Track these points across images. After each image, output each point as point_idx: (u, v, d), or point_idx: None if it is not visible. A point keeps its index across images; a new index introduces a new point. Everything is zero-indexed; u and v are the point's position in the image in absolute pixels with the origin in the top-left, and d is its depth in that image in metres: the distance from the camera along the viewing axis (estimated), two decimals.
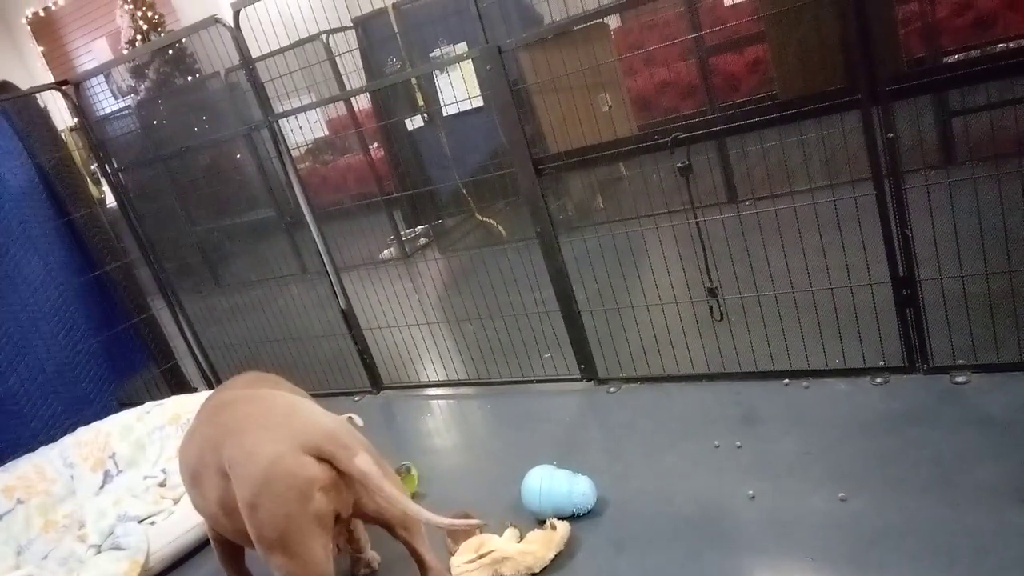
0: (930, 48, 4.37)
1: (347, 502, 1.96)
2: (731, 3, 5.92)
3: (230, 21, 3.31)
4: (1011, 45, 2.28)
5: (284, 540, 1.83)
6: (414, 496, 2.79)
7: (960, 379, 2.38)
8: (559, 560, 2.19)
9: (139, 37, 8.87)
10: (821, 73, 2.49)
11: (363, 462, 1.88)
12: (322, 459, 1.88)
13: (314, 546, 1.86)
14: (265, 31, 4.06)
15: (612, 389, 3.12)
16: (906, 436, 2.24)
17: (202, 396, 3.49)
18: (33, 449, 3.16)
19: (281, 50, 4.86)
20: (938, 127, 4.02)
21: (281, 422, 1.93)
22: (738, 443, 2.47)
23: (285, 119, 3.44)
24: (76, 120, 3.99)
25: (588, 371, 3.20)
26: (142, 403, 3.53)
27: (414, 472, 2.84)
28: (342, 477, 1.92)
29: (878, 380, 2.53)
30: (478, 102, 4.93)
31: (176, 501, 3.03)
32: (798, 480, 2.21)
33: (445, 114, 5.28)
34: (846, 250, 2.50)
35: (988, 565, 1.72)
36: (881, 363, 2.56)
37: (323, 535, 1.88)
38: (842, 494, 2.08)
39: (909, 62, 3.47)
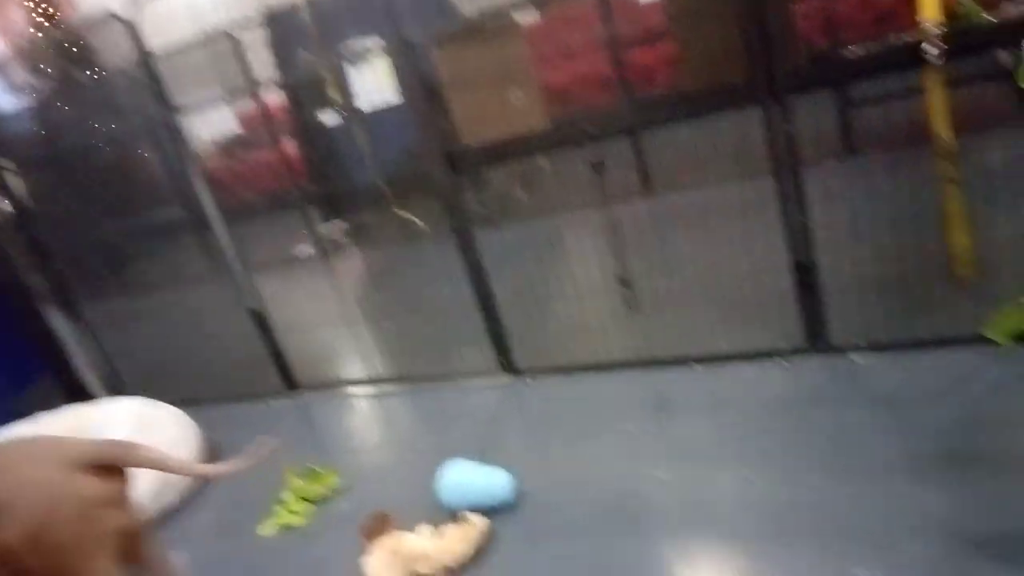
0: (831, 42, 4.54)
1: (133, 518, 1.89)
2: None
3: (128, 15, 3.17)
4: (907, 39, 2.39)
5: (71, 567, 1.72)
6: (325, 498, 2.73)
7: (857, 359, 2.48)
8: (476, 554, 2.17)
9: (35, 32, 8.41)
10: (724, 68, 2.55)
11: (146, 449, 1.84)
12: (104, 470, 1.78)
13: (100, 569, 1.76)
14: (170, 25, 3.90)
15: (530, 381, 3.13)
16: (807, 416, 2.32)
17: (104, 405, 3.33)
18: None
19: (186, 45, 4.68)
20: (839, 119, 4.19)
21: (46, 450, 1.79)
22: (651, 429, 2.51)
23: (192, 115, 3.32)
24: None
25: (507, 364, 3.20)
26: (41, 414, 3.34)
27: (320, 470, 2.79)
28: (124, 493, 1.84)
29: (781, 363, 2.61)
30: (394, 97, 4.86)
31: None
32: (707, 462, 2.26)
33: (364, 110, 5.19)
34: (751, 238, 2.57)
35: (881, 535, 1.80)
36: (784, 346, 2.65)
37: (109, 557, 1.79)
38: (748, 474, 2.14)
39: (810, 56, 3.60)
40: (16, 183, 3.80)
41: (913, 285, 2.46)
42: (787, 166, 2.40)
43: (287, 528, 2.63)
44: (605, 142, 2.67)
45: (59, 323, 4.01)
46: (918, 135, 2.65)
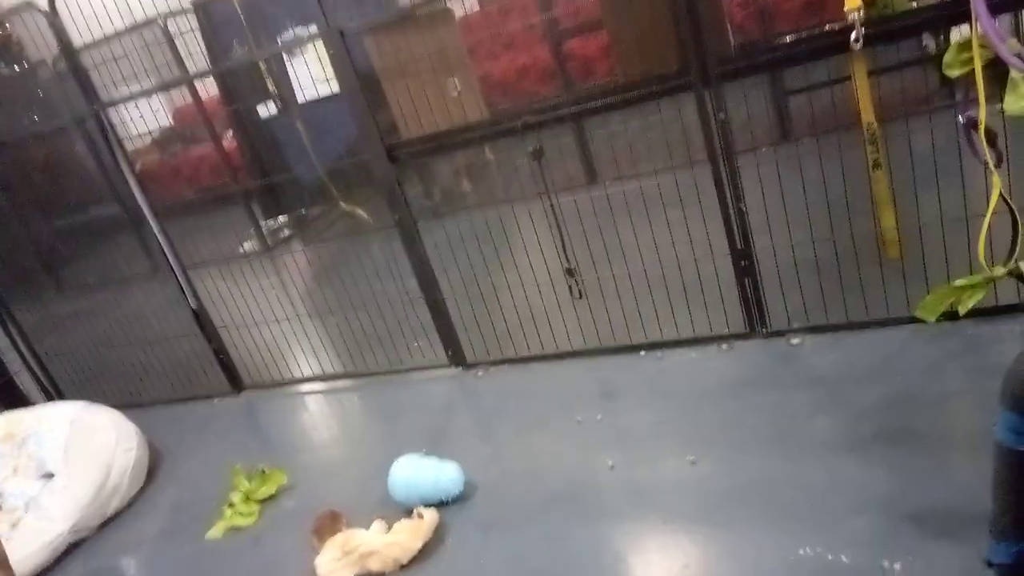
0: (763, 30, 4.64)
1: None
2: None
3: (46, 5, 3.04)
4: (836, 27, 2.46)
5: None
6: (274, 498, 2.70)
7: (795, 341, 2.56)
8: (427, 549, 2.18)
9: None
10: (657, 57, 2.58)
11: None
12: None
13: None
14: (97, 15, 3.75)
15: (480, 373, 3.14)
16: (748, 399, 2.38)
17: (40, 410, 3.21)
18: None
19: (113, 35, 4.52)
20: (773, 106, 4.28)
21: None
22: (599, 416, 2.54)
23: (121, 108, 3.21)
24: None
25: (456, 357, 3.20)
26: None
27: (268, 471, 2.76)
28: None
29: (723, 347, 2.68)
30: (335, 88, 4.78)
31: (13, 525, 2.78)
32: (652, 448, 2.31)
33: (301, 100, 5.09)
34: (690, 226, 2.62)
35: (823, 514, 1.86)
36: (726, 330, 2.71)
37: None
38: (692, 458, 2.18)
39: (744, 44, 3.67)
40: None
41: (847, 267, 2.54)
42: (722, 153, 2.45)
43: (236, 530, 2.60)
44: (546, 132, 2.68)
45: None
46: (848, 121, 2.73)
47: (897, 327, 2.45)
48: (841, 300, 2.52)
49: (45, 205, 5.56)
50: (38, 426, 3.01)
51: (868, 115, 2.52)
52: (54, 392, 3.93)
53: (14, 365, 3.88)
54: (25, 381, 3.93)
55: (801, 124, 4.14)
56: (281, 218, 6.07)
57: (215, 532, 2.60)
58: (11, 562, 2.54)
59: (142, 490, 3.04)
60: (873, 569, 1.66)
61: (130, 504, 2.97)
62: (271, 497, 2.70)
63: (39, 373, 3.91)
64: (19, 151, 4.51)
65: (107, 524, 2.88)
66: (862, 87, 2.48)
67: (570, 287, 2.86)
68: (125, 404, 3.39)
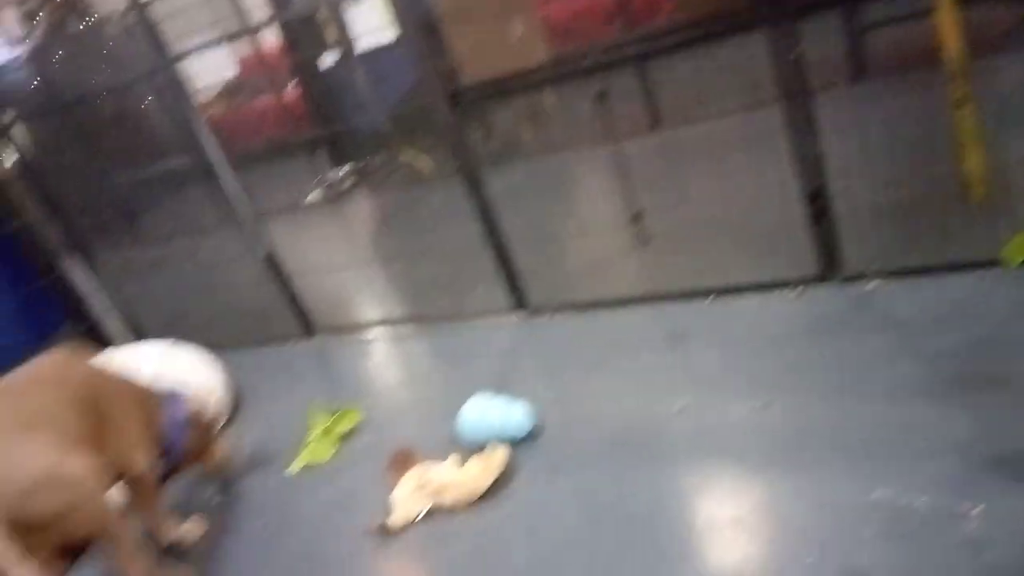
0: None
1: None
2: None
3: None
4: None
5: None
6: (349, 436, 2.80)
7: (871, 286, 2.50)
8: (498, 485, 2.24)
9: None
10: None
11: None
12: None
13: None
14: None
15: (544, 318, 3.16)
16: (821, 344, 2.35)
17: (128, 349, 3.37)
18: None
19: None
20: (849, 42, 4.09)
21: None
22: (666, 361, 2.55)
23: (190, 61, 3.27)
24: None
25: (520, 302, 3.23)
26: None
27: (343, 410, 2.86)
28: None
29: (794, 293, 2.63)
30: (393, 35, 4.77)
31: None
32: (722, 392, 2.31)
33: (360, 49, 5.10)
34: (762, 168, 2.56)
35: (898, 457, 1.84)
36: (798, 275, 2.66)
37: None
38: (762, 402, 2.18)
39: None
40: (21, 135, 3.78)
41: (927, 210, 2.46)
42: (796, 93, 2.37)
43: (314, 465, 2.71)
44: (610, 75, 2.64)
45: (76, 274, 4.04)
46: (930, 57, 2.60)
47: (979, 271, 2.36)
48: (921, 244, 2.44)
49: (119, 157, 5.75)
50: (128, 364, 3.17)
51: (954, 48, 2.40)
52: (138, 335, 4.12)
53: (100, 309, 4.07)
54: (111, 325, 4.13)
55: (880, 61, 3.96)
56: (344, 168, 6.14)
57: (295, 467, 2.73)
58: None
59: (224, 428, 3.18)
60: (950, 513, 1.64)
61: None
62: (346, 435, 2.81)
63: (124, 317, 4.10)
64: (93, 105, 4.65)
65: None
66: (948, 18, 2.35)
67: (635, 233, 2.84)
68: (204, 347, 3.54)
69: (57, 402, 2.16)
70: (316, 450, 2.75)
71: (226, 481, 2.76)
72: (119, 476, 2.34)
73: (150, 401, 2.52)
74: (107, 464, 2.21)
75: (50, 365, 2.31)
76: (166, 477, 2.67)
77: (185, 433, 2.57)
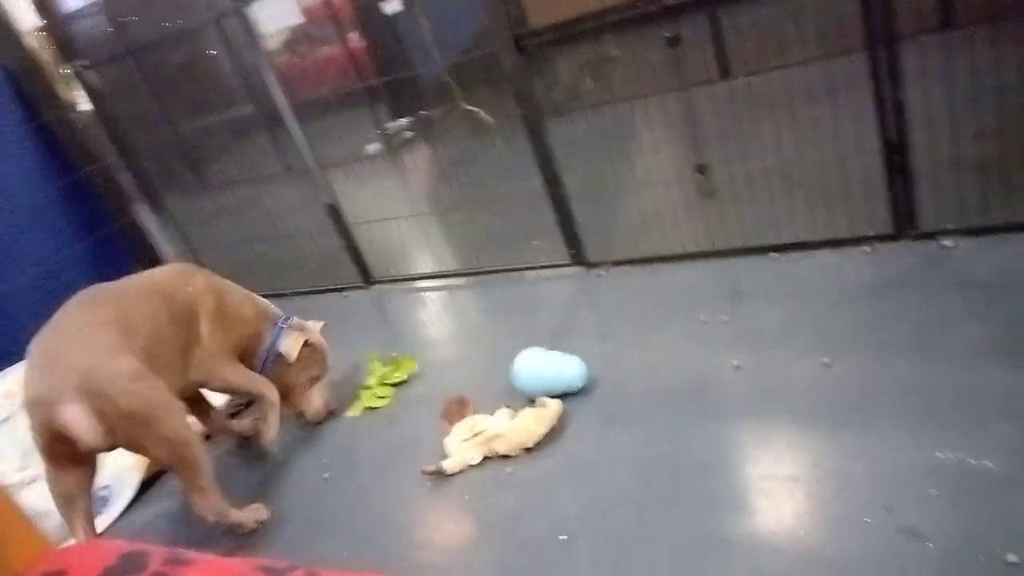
0: None
1: None
2: None
3: None
4: None
5: None
6: (405, 384, 2.85)
7: (947, 243, 2.38)
8: (551, 435, 2.25)
9: None
10: None
11: None
12: None
13: None
14: None
15: (602, 273, 3.12)
16: (892, 302, 2.26)
17: None
18: None
19: None
20: None
21: None
22: (725, 318, 2.49)
23: (254, 7, 3.28)
24: (41, 19, 3.81)
25: (578, 256, 3.20)
26: None
27: (400, 359, 2.91)
28: None
29: (866, 249, 2.53)
30: None
31: None
32: (783, 349, 2.25)
33: None
34: (838, 119, 2.44)
35: (968, 419, 1.77)
36: (869, 232, 2.55)
37: None
38: (826, 360, 2.11)
39: None
40: (93, 81, 3.88)
41: (1013, 166, 2.31)
42: (882, 39, 2.24)
43: (372, 410, 2.77)
44: (681, 18, 2.54)
45: (146, 219, 4.18)
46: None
47: None
48: (1004, 201, 2.31)
49: (188, 105, 5.86)
50: None
51: None
52: None
53: (168, 255, 4.20)
54: None
55: (970, 8, 3.71)
56: (404, 120, 6.14)
57: (354, 411, 2.79)
58: None
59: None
60: (1020, 477, 1.58)
61: None
62: (403, 382, 2.85)
63: (191, 262, 4.23)
64: (163, 52, 4.73)
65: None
66: None
67: (699, 185, 2.76)
68: (268, 293, 3.63)
69: (158, 313, 2.35)
70: (374, 396, 2.80)
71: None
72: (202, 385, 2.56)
73: (261, 322, 2.69)
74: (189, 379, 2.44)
75: (164, 277, 2.53)
76: (246, 405, 2.86)
77: (274, 364, 2.68)
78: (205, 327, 2.49)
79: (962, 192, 2.40)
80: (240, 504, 2.31)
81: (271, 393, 2.60)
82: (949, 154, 2.35)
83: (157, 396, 2.13)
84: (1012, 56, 2.25)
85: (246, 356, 2.66)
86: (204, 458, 2.22)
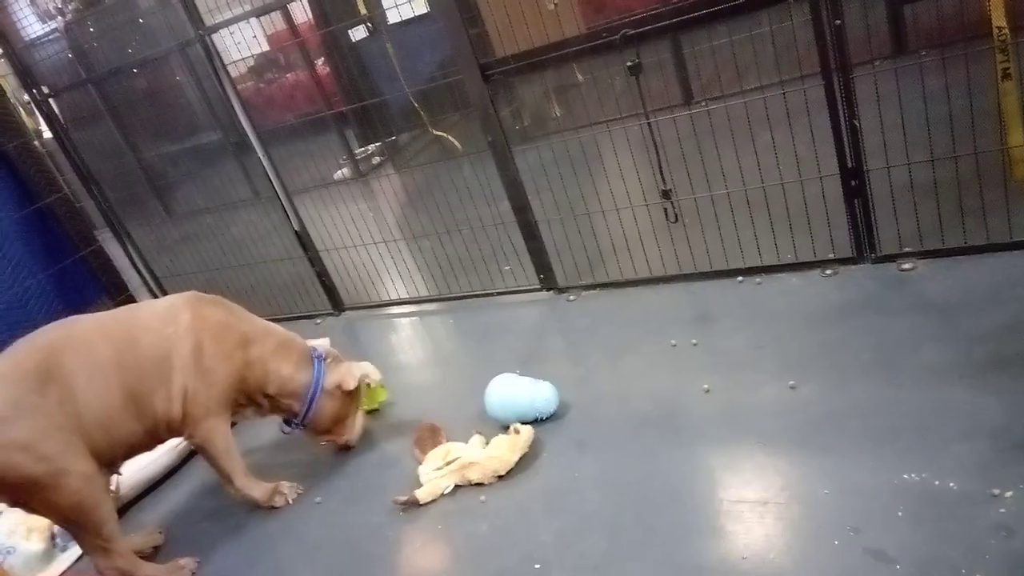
0: None
1: None
2: None
3: None
4: None
5: None
6: (376, 410, 2.83)
7: (906, 266, 2.45)
8: (524, 462, 2.25)
9: None
10: None
11: None
12: None
13: None
14: None
15: (572, 297, 3.15)
16: (853, 324, 2.31)
17: None
18: None
19: None
20: (889, 14, 3.98)
21: None
22: (694, 341, 2.53)
23: (220, 34, 3.28)
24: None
25: (547, 280, 3.22)
26: None
27: (372, 386, 2.86)
28: None
29: (828, 272, 2.59)
30: (423, 8, 4.74)
31: None
32: (750, 372, 2.28)
33: (390, 21, 5.08)
34: (797, 145, 2.50)
35: (929, 440, 1.81)
36: (831, 255, 2.61)
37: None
38: (792, 382, 2.15)
39: None
40: (54, 109, 3.84)
41: (966, 189, 2.39)
42: (837, 65, 2.31)
43: None
44: (644, 47, 2.59)
45: (111, 247, 4.12)
46: (973, 30, 2.51)
47: (1019, 252, 2.30)
48: (959, 223, 2.38)
49: (151, 132, 5.81)
50: None
51: (999, 19, 2.31)
52: None
53: (134, 283, 4.14)
54: (144, 298, 4.20)
55: (921, 34, 3.84)
56: (373, 145, 6.15)
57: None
58: (141, 463, 2.78)
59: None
60: (982, 496, 1.61)
61: None
62: (374, 411, 2.84)
63: (156, 290, 4.17)
64: (125, 79, 4.70)
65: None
66: None
67: (665, 210, 2.80)
68: None
69: (104, 360, 2.21)
70: None
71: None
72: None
73: (281, 360, 2.47)
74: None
75: (144, 314, 2.38)
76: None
77: (322, 397, 2.49)
78: (179, 377, 2.28)
79: (919, 216, 2.47)
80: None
81: (240, 481, 2.45)
82: (905, 179, 2.42)
83: (46, 466, 2.03)
84: (961, 81, 2.33)
85: (275, 395, 2.47)
86: (108, 517, 2.16)
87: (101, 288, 3.89)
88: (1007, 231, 2.31)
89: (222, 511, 2.58)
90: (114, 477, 2.40)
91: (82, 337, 2.23)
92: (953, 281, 2.32)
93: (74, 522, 2.13)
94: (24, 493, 2.05)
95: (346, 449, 2.66)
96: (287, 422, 2.58)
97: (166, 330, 2.31)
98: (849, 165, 2.43)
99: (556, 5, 3.73)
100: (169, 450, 2.89)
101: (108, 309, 3.87)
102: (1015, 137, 2.43)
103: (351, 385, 2.51)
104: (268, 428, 3.02)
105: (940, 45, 2.44)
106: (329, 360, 2.56)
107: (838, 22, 2.24)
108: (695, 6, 2.40)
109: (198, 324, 2.34)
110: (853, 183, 2.45)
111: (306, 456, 2.74)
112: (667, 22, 2.48)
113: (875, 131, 2.42)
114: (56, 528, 2.55)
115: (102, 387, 2.18)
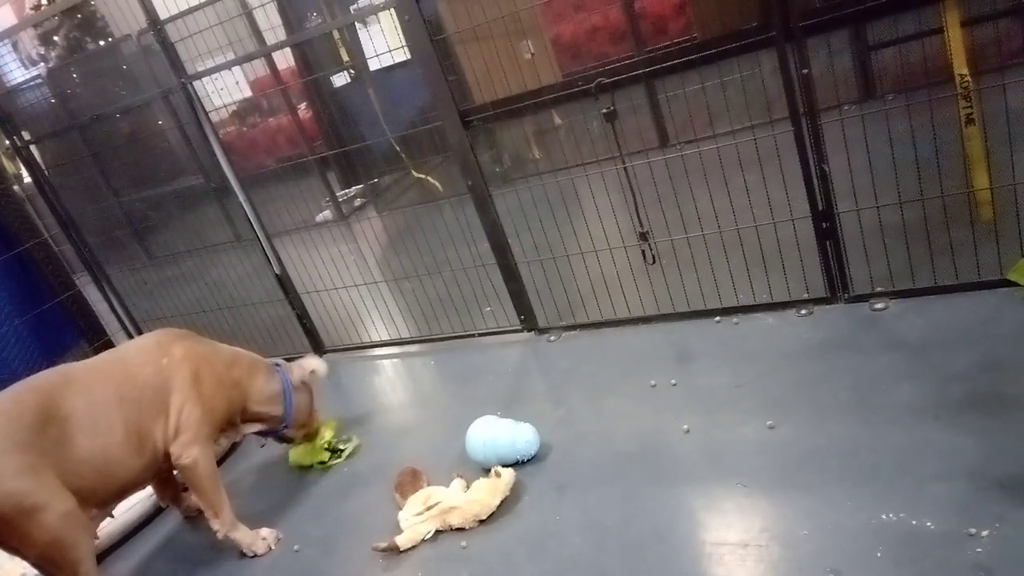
0: None
1: None
2: None
3: None
4: None
5: None
6: (349, 455, 2.85)
7: (879, 306, 2.49)
8: (505, 506, 2.24)
9: (43, 1, 8.37)
10: (738, 12, 2.50)
11: None
12: None
13: None
14: None
15: (552, 338, 3.17)
16: (829, 363, 2.34)
17: None
18: None
19: (193, 8, 4.65)
20: (856, 62, 4.11)
21: None
22: (673, 381, 2.55)
23: (203, 81, 3.32)
24: None
25: (528, 321, 3.24)
26: None
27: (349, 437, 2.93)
28: None
29: (802, 312, 2.63)
30: (406, 55, 4.82)
31: None
32: (729, 412, 2.30)
33: (372, 68, 5.16)
34: (769, 188, 2.56)
35: (906, 479, 1.83)
36: (805, 295, 2.66)
37: None
38: (770, 422, 2.17)
39: None
40: (35, 155, 3.84)
41: (935, 230, 2.45)
42: (805, 111, 2.38)
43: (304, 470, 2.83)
44: (619, 94, 2.66)
45: (91, 292, 4.09)
46: (937, 76, 2.61)
47: (988, 292, 2.36)
48: (929, 264, 2.44)
49: (133, 176, 5.83)
50: None
51: (961, 67, 2.40)
52: None
53: (113, 327, 4.11)
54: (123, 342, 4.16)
55: (887, 80, 3.97)
56: (355, 188, 6.20)
57: (295, 455, 2.89)
58: (118, 510, 2.74)
59: (234, 446, 3.19)
60: (959, 536, 1.63)
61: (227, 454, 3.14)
62: (352, 453, 2.83)
63: (135, 334, 4.14)
64: (107, 124, 4.72)
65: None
66: (955, 37, 2.36)
67: (643, 252, 2.84)
68: None
69: (104, 397, 2.28)
70: (312, 453, 2.86)
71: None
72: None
73: (254, 376, 2.68)
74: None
75: (136, 350, 2.47)
76: (284, 440, 2.87)
77: (295, 395, 2.76)
78: (177, 401, 2.38)
79: (890, 256, 2.52)
80: None
81: (226, 518, 2.46)
82: (876, 220, 2.48)
83: (30, 501, 2.03)
84: (926, 125, 2.41)
85: (256, 409, 2.66)
86: (85, 558, 2.14)
87: (80, 333, 3.85)
88: (975, 271, 2.36)
89: (198, 559, 2.54)
90: (107, 520, 2.43)
91: (81, 380, 2.30)
92: (925, 320, 2.37)
93: (50, 560, 2.10)
94: (3, 524, 2.02)
95: (311, 438, 2.87)
96: (262, 433, 2.78)
97: (162, 361, 2.42)
98: (820, 207, 2.49)
99: (533, 54, 3.82)
100: (144, 499, 2.85)
101: (86, 354, 3.84)
102: (980, 179, 2.51)
103: (307, 375, 2.83)
104: (245, 475, 2.99)
105: (906, 90, 2.52)
106: (290, 364, 2.84)
107: (805, 71, 2.32)
108: (668, 56, 2.47)
109: (191, 354, 2.48)
110: (824, 225, 2.51)
111: (284, 499, 2.71)
112: (640, 71, 2.55)
113: (844, 174, 2.48)
114: (29, 571, 2.50)
115: (104, 425, 2.24)
